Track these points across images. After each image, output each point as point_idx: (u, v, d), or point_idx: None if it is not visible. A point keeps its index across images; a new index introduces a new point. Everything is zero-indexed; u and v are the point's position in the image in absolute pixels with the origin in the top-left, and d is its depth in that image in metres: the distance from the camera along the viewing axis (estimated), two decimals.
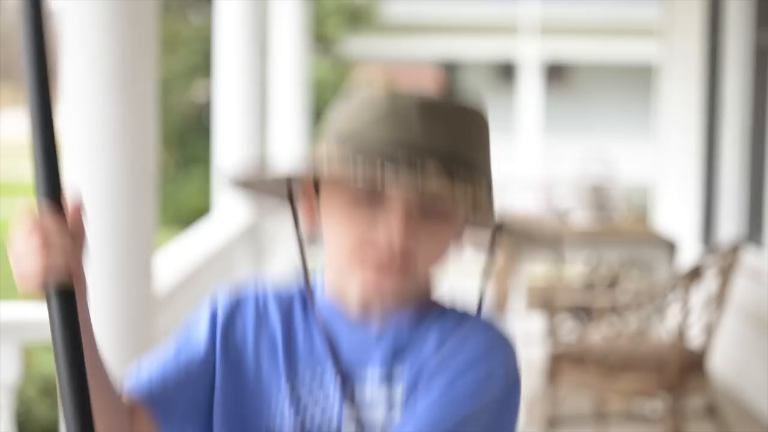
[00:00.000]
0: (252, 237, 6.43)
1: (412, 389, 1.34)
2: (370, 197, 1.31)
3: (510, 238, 1.42)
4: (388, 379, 1.36)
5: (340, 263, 1.35)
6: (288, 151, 9.73)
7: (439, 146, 1.30)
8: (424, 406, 1.31)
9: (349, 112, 1.35)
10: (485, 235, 1.44)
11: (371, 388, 1.36)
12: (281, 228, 8.88)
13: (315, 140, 1.38)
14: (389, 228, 1.30)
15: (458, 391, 1.32)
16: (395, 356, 1.36)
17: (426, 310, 1.41)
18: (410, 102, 1.33)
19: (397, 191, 1.29)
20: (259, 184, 1.43)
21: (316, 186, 1.38)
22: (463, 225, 1.39)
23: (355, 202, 1.32)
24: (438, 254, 1.36)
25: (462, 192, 1.29)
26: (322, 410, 1.37)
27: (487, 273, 1.45)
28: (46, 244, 1.21)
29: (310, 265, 1.43)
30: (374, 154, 1.28)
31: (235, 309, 1.42)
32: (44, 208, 1.23)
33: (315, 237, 1.42)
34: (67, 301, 1.25)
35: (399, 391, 1.35)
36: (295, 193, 1.42)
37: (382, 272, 1.31)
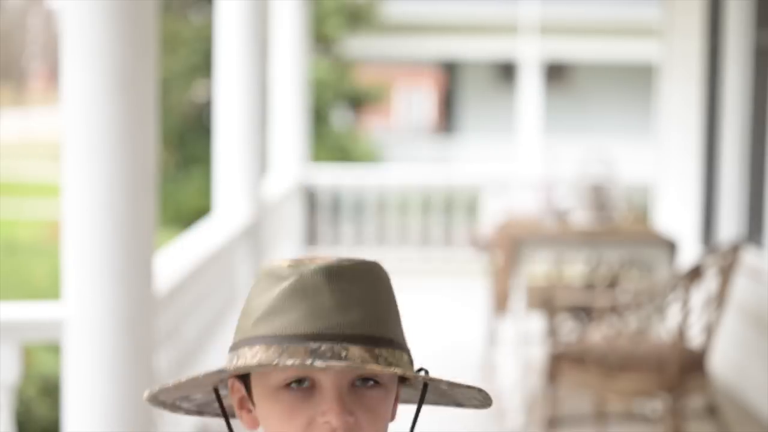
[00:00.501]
0: (252, 237, 6.43)
1: None
2: (301, 382, 1.35)
3: (436, 393, 1.47)
4: None
5: None
6: (288, 150, 9.74)
7: (357, 325, 1.34)
8: None
9: (260, 302, 1.38)
10: (414, 392, 1.49)
11: None
12: (281, 228, 8.89)
13: (234, 334, 1.41)
14: (327, 408, 1.34)
15: None
16: None
17: None
18: (316, 275, 1.35)
19: (326, 378, 1.34)
20: (181, 391, 1.45)
21: (247, 387, 1.41)
22: (396, 400, 1.44)
23: (286, 386, 1.35)
24: (381, 421, 1.39)
25: (387, 365, 1.34)
26: None
27: (415, 419, 1.48)
28: None
29: None
30: (297, 345, 1.33)
31: None
32: None
33: None
34: None
35: None
36: (224, 399, 1.45)
37: None
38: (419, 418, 1.47)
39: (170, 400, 1.47)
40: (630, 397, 4.50)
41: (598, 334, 4.58)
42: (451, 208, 10.81)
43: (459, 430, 5.46)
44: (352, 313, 1.34)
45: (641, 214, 8.02)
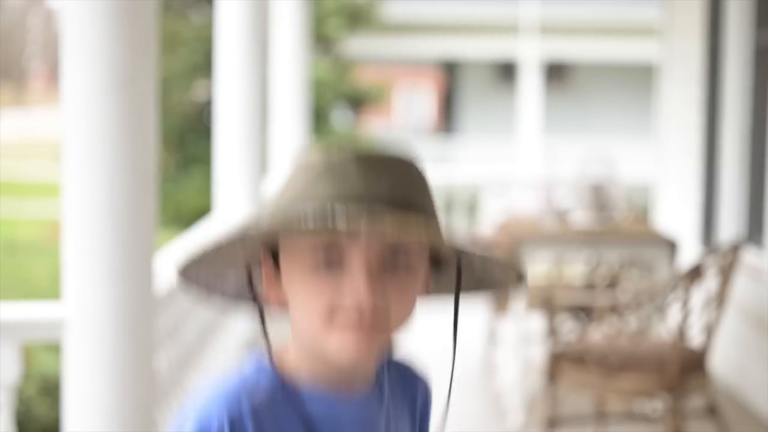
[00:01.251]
0: None
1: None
2: (330, 260, 1.30)
3: (470, 275, 1.42)
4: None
5: (312, 332, 1.33)
6: (288, 151, 9.74)
7: (385, 193, 1.30)
8: None
9: (290, 181, 1.36)
10: (447, 285, 1.45)
11: None
12: None
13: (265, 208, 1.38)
14: (355, 288, 1.29)
15: None
16: (405, 406, 1.45)
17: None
18: (345, 157, 1.32)
19: (357, 248, 1.29)
20: (212, 266, 1.41)
21: (275, 259, 1.37)
22: (426, 276, 1.39)
23: (315, 267, 1.31)
24: (407, 306, 1.35)
25: (419, 231, 1.28)
26: None
27: (456, 318, 1.48)
28: None
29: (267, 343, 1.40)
30: (323, 209, 1.29)
31: None
32: None
33: (281, 312, 1.40)
34: None
35: None
36: (253, 271, 1.41)
37: (357, 333, 1.30)
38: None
39: (203, 279, 1.43)
40: (630, 397, 4.50)
41: (598, 334, 4.58)
42: (451, 208, 10.80)
43: (459, 430, 5.46)
44: (380, 184, 1.30)
45: (641, 214, 8.02)
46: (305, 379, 1.36)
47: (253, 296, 1.41)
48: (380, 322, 1.31)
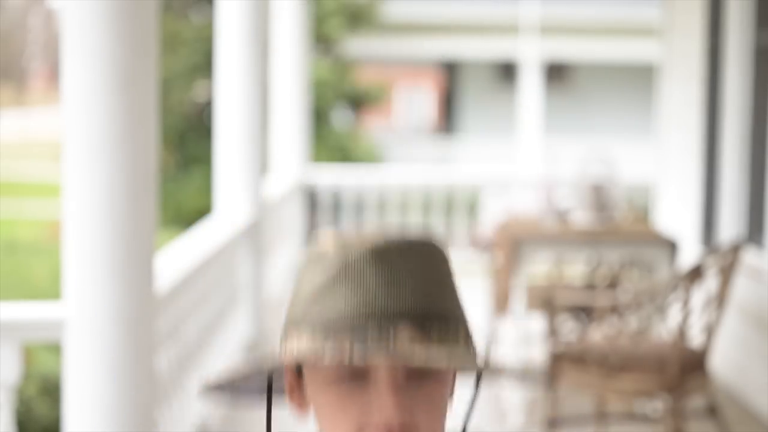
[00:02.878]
0: (252, 237, 6.43)
1: None
2: (355, 374, 1.26)
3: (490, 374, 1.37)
4: None
5: None
6: (289, 151, 9.74)
7: (406, 305, 1.24)
8: None
9: (305, 282, 1.30)
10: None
11: None
12: (282, 229, 8.88)
13: (284, 327, 1.33)
14: (382, 406, 1.25)
15: None
16: None
17: None
18: (363, 257, 1.26)
19: (380, 366, 1.25)
20: (238, 385, 1.37)
21: (299, 374, 1.34)
22: (454, 378, 1.34)
23: (340, 381, 1.27)
24: (438, 416, 1.30)
25: (442, 350, 1.23)
26: None
27: (469, 414, 1.39)
28: None
29: None
30: (342, 329, 1.23)
31: None
32: None
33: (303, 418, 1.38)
34: None
35: None
36: (276, 385, 1.38)
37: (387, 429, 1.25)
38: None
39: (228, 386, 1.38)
40: (630, 397, 4.50)
41: (598, 334, 4.58)
42: (451, 209, 10.80)
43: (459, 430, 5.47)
44: (401, 289, 1.24)
45: (642, 214, 8.02)
46: None
47: (269, 404, 1.39)
48: (408, 424, 1.25)
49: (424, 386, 1.27)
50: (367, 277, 1.24)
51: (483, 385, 1.40)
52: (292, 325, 1.29)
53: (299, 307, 1.29)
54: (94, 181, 3.03)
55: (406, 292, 1.24)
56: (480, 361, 1.28)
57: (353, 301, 1.24)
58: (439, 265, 1.29)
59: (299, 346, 1.25)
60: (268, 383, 1.37)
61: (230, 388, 1.37)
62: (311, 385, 1.31)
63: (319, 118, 15.46)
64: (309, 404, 1.33)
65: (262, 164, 6.66)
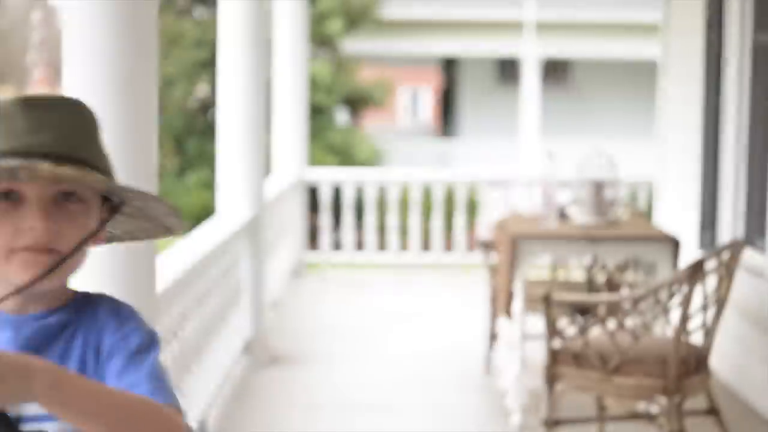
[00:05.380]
0: (252, 237, 6.43)
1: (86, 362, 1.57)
2: (9, 201, 1.52)
3: (139, 215, 1.65)
4: (61, 358, 1.56)
5: None
6: (288, 150, 9.74)
7: (49, 148, 1.52)
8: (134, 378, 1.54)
9: None
10: (132, 226, 1.69)
11: None
12: (282, 228, 8.89)
13: None
14: (29, 216, 1.51)
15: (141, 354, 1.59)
16: (67, 337, 1.58)
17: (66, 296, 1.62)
18: (14, 104, 1.54)
19: (30, 189, 1.51)
20: None
21: None
22: (102, 212, 1.60)
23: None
24: (81, 230, 1.55)
25: (76, 171, 1.50)
26: None
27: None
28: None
29: None
30: None
31: None
32: None
33: None
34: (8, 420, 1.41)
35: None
36: None
37: (35, 252, 1.51)
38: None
39: None
40: (630, 397, 4.50)
41: (598, 334, 4.58)
42: (451, 208, 10.80)
43: (459, 430, 5.46)
44: (44, 135, 1.51)
45: (642, 213, 8.02)
46: None
47: None
48: (53, 240, 1.52)
49: (69, 207, 1.54)
50: (16, 119, 1.52)
51: None
52: None
53: None
54: None
55: (49, 138, 1.52)
56: (110, 186, 1.55)
57: (2, 140, 1.51)
58: (85, 119, 1.58)
59: None
60: None
61: None
62: None
63: (319, 118, 15.45)
64: None
65: (265, 164, 6.66)
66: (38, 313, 1.58)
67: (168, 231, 1.70)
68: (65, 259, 1.53)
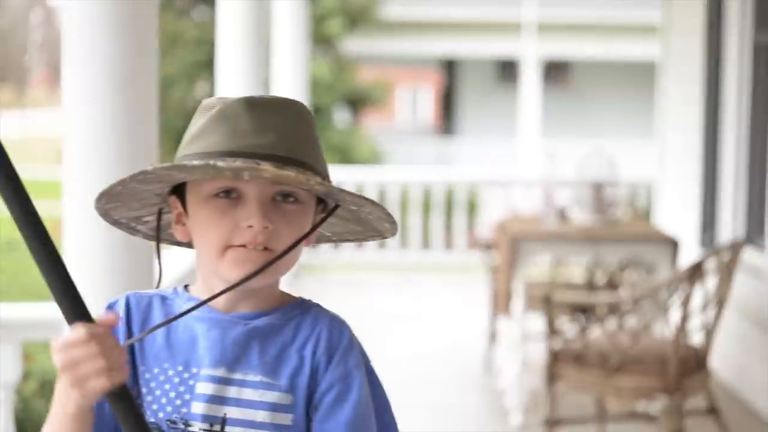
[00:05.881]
0: None
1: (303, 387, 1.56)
2: (229, 198, 1.53)
3: (350, 216, 1.64)
4: (268, 363, 1.56)
5: (211, 257, 1.55)
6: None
7: (270, 149, 1.52)
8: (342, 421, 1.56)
9: (193, 130, 1.57)
10: (341, 227, 1.68)
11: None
12: None
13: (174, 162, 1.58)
14: (249, 215, 1.52)
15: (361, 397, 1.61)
16: (278, 344, 1.57)
17: (282, 303, 1.62)
18: (239, 105, 1.55)
19: (250, 188, 1.53)
20: (129, 206, 1.63)
21: (183, 201, 1.59)
22: (316, 213, 1.60)
23: (216, 198, 1.54)
24: (297, 230, 1.56)
25: (297, 175, 1.49)
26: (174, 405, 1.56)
27: (323, 219, 1.62)
28: (104, 349, 1.44)
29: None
30: (217, 156, 1.52)
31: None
32: (85, 322, 1.52)
33: (188, 244, 1.63)
34: (128, 395, 1.43)
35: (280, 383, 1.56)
36: (164, 209, 1.64)
37: (250, 250, 1.52)
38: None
39: (124, 219, 1.66)
40: (630, 397, 4.50)
41: (598, 334, 4.58)
42: (451, 208, 10.80)
43: (459, 430, 5.46)
44: (267, 137, 1.53)
45: (642, 213, 8.02)
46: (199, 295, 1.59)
47: (158, 233, 1.65)
48: (269, 239, 1.52)
49: (286, 208, 1.55)
50: (240, 118, 1.53)
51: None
52: (178, 158, 1.57)
53: (185, 144, 1.57)
54: (94, 181, 3.03)
55: (272, 140, 1.53)
56: (329, 189, 1.54)
57: (227, 139, 1.52)
58: (304, 121, 1.58)
59: (183, 168, 1.50)
60: (158, 217, 1.64)
61: (126, 224, 1.66)
62: (192, 204, 1.56)
63: (319, 118, 15.45)
64: (189, 228, 1.58)
65: None
66: (248, 312, 1.58)
67: (379, 235, 1.68)
68: (279, 257, 1.53)
